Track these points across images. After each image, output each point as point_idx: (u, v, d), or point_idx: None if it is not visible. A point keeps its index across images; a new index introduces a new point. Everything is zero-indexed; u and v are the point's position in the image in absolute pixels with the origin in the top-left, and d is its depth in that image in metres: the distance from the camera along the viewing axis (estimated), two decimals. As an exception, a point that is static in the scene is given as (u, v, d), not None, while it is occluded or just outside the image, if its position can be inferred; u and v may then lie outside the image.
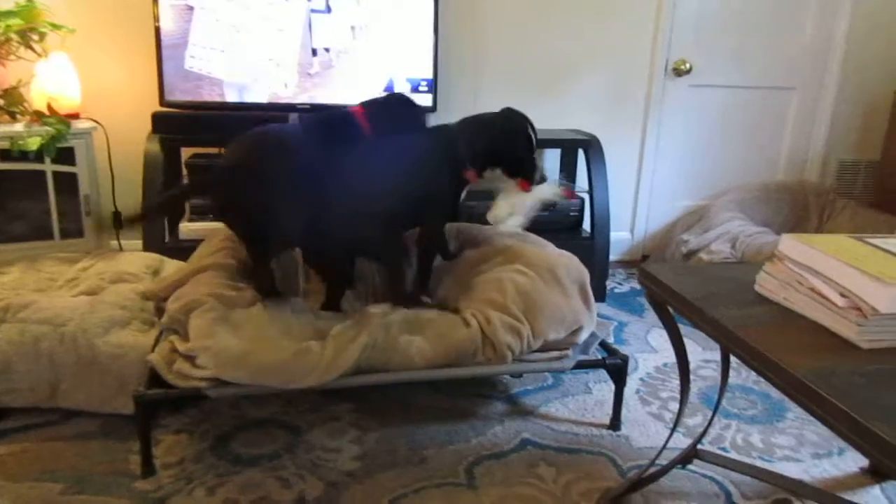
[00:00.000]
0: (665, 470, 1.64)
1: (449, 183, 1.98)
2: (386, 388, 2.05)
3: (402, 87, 2.74)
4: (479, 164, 1.98)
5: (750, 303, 1.23)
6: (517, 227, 2.12)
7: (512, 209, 2.08)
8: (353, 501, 1.57)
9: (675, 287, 1.30)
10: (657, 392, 2.12)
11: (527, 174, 2.02)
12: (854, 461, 1.77)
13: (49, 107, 2.33)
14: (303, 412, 1.93)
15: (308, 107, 2.62)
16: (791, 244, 1.19)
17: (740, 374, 2.24)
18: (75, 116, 2.43)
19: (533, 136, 2.00)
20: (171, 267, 2.20)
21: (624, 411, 1.94)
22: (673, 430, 1.57)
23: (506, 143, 1.97)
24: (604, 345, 1.96)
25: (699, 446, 1.66)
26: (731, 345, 1.11)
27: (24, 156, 2.25)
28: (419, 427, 1.87)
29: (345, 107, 2.03)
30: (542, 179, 2.06)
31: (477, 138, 1.96)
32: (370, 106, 2.00)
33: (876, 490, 1.66)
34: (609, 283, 3.04)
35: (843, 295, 1.07)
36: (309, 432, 1.84)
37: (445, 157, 1.96)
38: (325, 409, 1.95)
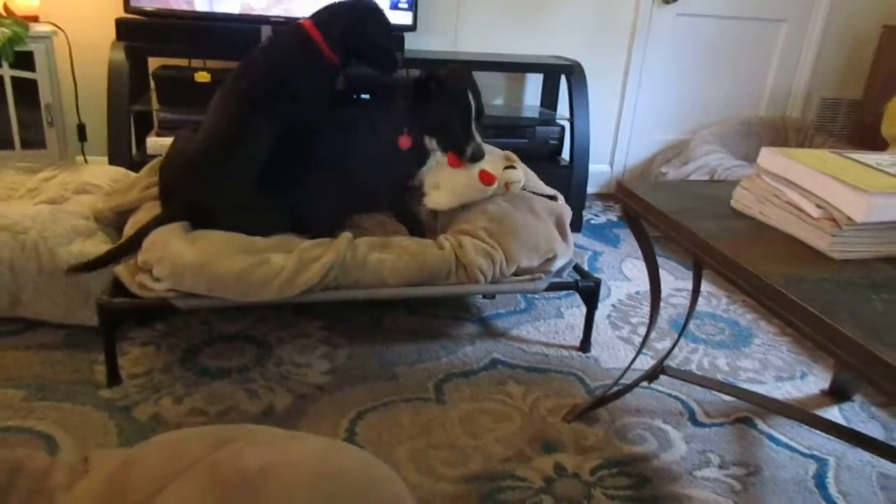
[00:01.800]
0: (631, 387, 1.66)
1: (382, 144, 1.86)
2: (358, 308, 2.04)
3: (382, 4, 2.62)
4: (412, 125, 1.83)
5: (725, 217, 1.22)
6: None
7: (439, 190, 1.86)
8: (321, 413, 1.58)
9: (652, 201, 1.28)
10: (628, 317, 2.13)
11: (458, 147, 1.79)
12: (815, 384, 1.81)
13: (6, 7, 2.20)
14: (274, 328, 1.91)
15: (282, 20, 2.50)
16: (770, 157, 1.17)
17: (710, 302, 2.26)
18: (34, 19, 2.30)
19: (473, 102, 1.78)
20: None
21: (594, 335, 1.96)
22: (641, 347, 1.58)
23: (438, 105, 1.78)
24: (577, 269, 1.95)
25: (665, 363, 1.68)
26: (704, 255, 1.10)
27: (-21, 60, 2.14)
28: (390, 345, 1.87)
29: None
30: (477, 155, 1.79)
31: (408, 94, 1.82)
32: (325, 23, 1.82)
33: (834, 410, 1.71)
34: (586, 215, 3.03)
35: (818, 206, 1.06)
36: (279, 347, 1.83)
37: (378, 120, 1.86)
38: (296, 325, 1.94)
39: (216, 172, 1.69)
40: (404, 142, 1.85)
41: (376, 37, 1.89)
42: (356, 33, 1.85)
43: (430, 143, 1.86)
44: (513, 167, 1.89)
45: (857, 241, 1.03)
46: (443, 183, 1.87)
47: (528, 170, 2.13)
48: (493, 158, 1.91)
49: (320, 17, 1.84)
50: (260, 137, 1.73)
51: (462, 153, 1.80)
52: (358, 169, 1.87)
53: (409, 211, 1.94)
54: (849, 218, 1.01)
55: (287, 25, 1.91)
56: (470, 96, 1.79)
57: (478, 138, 1.80)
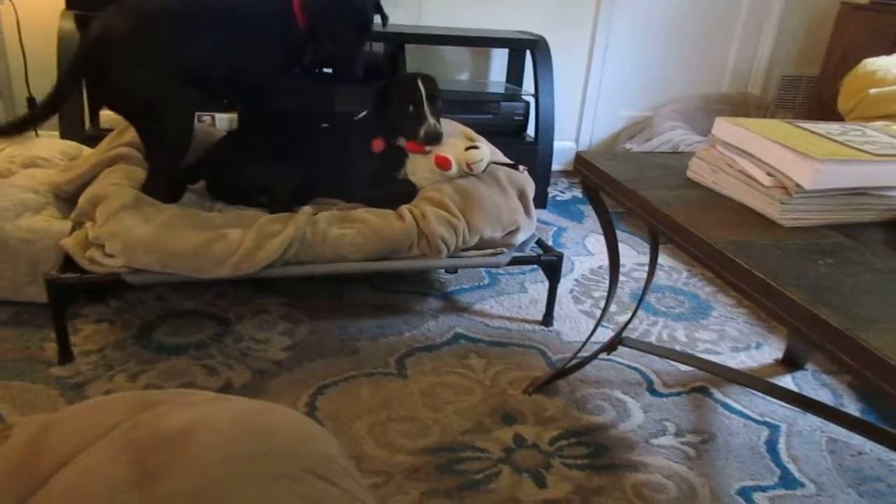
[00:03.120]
0: (590, 358, 1.67)
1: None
2: (319, 283, 2.01)
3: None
4: (381, 129, 1.83)
5: (680, 186, 1.22)
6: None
7: (414, 177, 1.83)
8: (281, 388, 1.56)
9: (609, 171, 1.28)
10: (590, 292, 2.15)
11: (411, 131, 1.78)
12: (769, 354, 1.85)
13: (-55, -27, 2.10)
14: (232, 305, 1.88)
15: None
16: (724, 127, 1.18)
17: (671, 276, 2.29)
18: (-23, -14, 2.21)
19: (422, 87, 1.77)
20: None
21: (557, 309, 1.97)
22: (600, 319, 1.59)
23: (393, 98, 1.79)
24: (540, 243, 1.96)
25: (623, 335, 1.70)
26: (657, 223, 1.11)
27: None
28: (352, 321, 1.86)
29: None
30: (431, 137, 1.77)
31: (373, 102, 1.83)
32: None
33: (787, 378, 1.74)
34: (551, 191, 3.04)
35: (769, 174, 1.07)
36: (238, 324, 1.80)
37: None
38: (255, 302, 1.91)
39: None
40: (377, 145, 1.83)
41: (345, 37, 1.82)
42: (328, 21, 1.79)
43: (402, 141, 1.84)
44: (475, 147, 1.86)
45: (805, 209, 1.04)
46: (410, 170, 1.85)
47: (487, 143, 2.11)
48: (454, 140, 1.87)
49: None
50: (192, 59, 1.69)
51: (416, 136, 1.78)
52: (331, 158, 1.86)
53: (383, 198, 1.85)
54: (797, 185, 1.01)
55: None
56: (419, 81, 1.78)
57: (431, 121, 1.78)
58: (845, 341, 0.75)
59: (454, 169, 1.80)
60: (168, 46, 1.65)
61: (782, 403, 1.60)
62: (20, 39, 2.45)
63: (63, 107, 1.69)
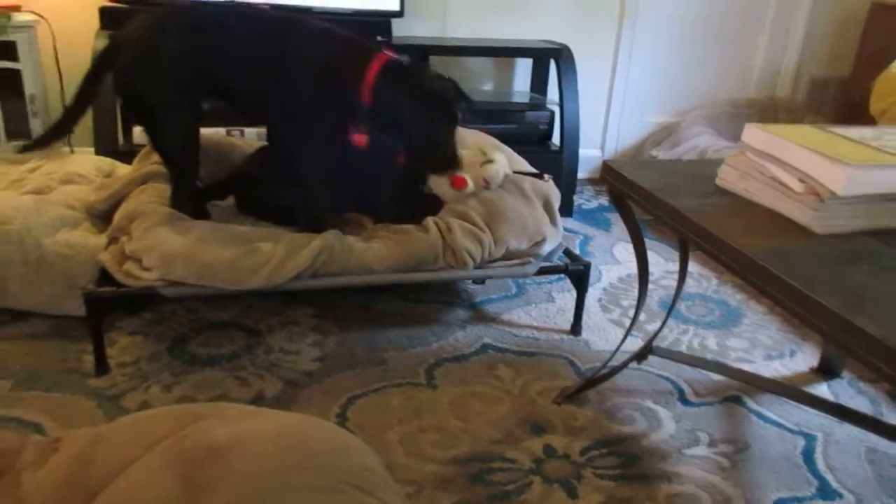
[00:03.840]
0: (620, 368, 1.66)
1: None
2: (347, 294, 2.03)
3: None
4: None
5: (709, 194, 1.22)
6: None
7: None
8: (311, 399, 1.58)
9: (636, 180, 1.28)
10: (618, 300, 2.14)
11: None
12: (804, 361, 1.82)
13: (-15, -4, 2.17)
14: (263, 316, 1.91)
15: (267, 5, 2.48)
16: (754, 133, 1.17)
17: (700, 283, 2.26)
18: (16, 9, 2.28)
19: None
20: (123, 171, 2.12)
21: (585, 318, 1.96)
22: (630, 328, 1.58)
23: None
24: (567, 252, 1.95)
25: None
26: (687, 231, 1.10)
27: (-40, 49, 2.13)
28: (380, 332, 1.87)
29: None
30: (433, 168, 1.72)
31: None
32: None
33: (823, 387, 1.71)
34: (577, 200, 3.03)
35: (801, 180, 1.06)
36: (269, 335, 1.82)
37: None
38: (285, 313, 1.93)
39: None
40: (401, 158, 1.81)
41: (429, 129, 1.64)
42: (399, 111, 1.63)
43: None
44: (490, 161, 1.86)
45: (839, 215, 1.03)
46: (433, 184, 1.88)
47: (512, 152, 2.12)
48: (468, 153, 1.84)
49: (396, 67, 1.66)
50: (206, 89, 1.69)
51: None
52: (358, 175, 1.85)
53: (412, 214, 1.83)
54: (830, 191, 1.00)
55: (360, 43, 1.73)
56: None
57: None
58: (883, 350, 0.74)
59: (470, 186, 1.81)
60: (178, 55, 1.63)
61: (818, 412, 1.57)
62: (56, 59, 2.52)
63: (85, 111, 1.72)
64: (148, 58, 1.63)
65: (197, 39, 1.65)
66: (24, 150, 1.79)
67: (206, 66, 1.66)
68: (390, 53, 1.67)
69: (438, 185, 1.85)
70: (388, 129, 1.68)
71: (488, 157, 1.87)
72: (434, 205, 1.83)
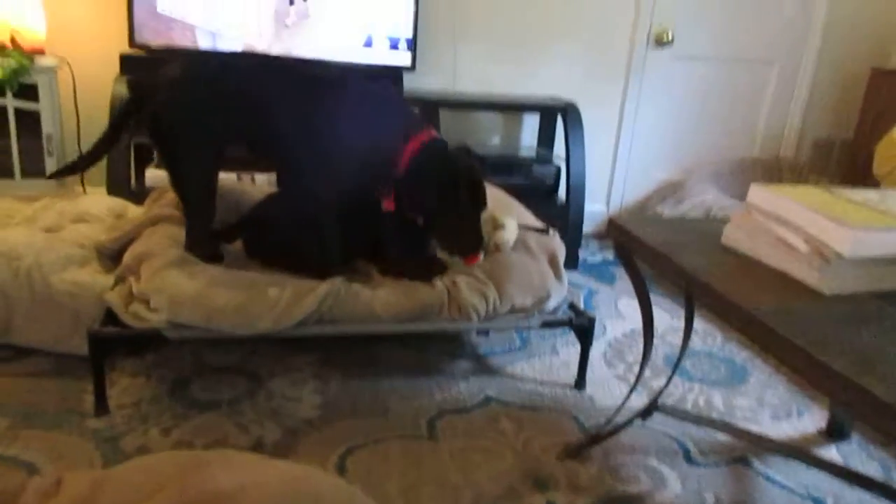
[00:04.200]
0: (625, 425, 1.64)
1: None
2: (351, 342, 2.02)
3: (382, 44, 2.69)
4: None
5: (716, 252, 1.22)
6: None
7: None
8: (311, 448, 1.55)
9: (643, 236, 1.29)
10: (623, 356, 2.12)
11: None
12: (812, 422, 1.79)
13: (12, 39, 2.24)
14: (265, 362, 1.90)
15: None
16: (759, 193, 1.19)
17: (706, 340, 2.25)
18: (40, 52, 2.35)
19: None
20: (135, 212, 2.14)
21: (589, 373, 1.94)
22: (635, 384, 1.57)
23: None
24: (572, 306, 1.95)
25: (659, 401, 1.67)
26: (694, 290, 1.10)
27: (-16, 90, 2.18)
28: (383, 380, 1.86)
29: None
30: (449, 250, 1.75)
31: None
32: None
33: (832, 449, 1.68)
34: (582, 254, 3.04)
35: (806, 241, 1.06)
36: (270, 381, 1.81)
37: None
38: (287, 359, 1.92)
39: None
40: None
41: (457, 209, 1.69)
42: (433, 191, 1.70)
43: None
44: (501, 227, 1.87)
45: (846, 276, 1.03)
46: (439, 253, 1.89)
47: (518, 205, 2.14)
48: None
49: (434, 148, 1.73)
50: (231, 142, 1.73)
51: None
52: (367, 227, 1.86)
53: (416, 269, 1.84)
54: (836, 253, 1.01)
55: (406, 113, 1.81)
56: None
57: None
58: (892, 413, 0.74)
59: (481, 259, 1.81)
60: (213, 100, 1.67)
61: (828, 475, 1.54)
62: (75, 102, 2.58)
63: (110, 150, 1.76)
64: (185, 100, 1.67)
65: (231, 87, 1.70)
66: (52, 176, 1.97)
67: (239, 115, 1.70)
68: (433, 133, 1.75)
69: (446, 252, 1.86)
70: (416, 205, 1.75)
71: (499, 222, 1.88)
72: (438, 268, 1.84)
